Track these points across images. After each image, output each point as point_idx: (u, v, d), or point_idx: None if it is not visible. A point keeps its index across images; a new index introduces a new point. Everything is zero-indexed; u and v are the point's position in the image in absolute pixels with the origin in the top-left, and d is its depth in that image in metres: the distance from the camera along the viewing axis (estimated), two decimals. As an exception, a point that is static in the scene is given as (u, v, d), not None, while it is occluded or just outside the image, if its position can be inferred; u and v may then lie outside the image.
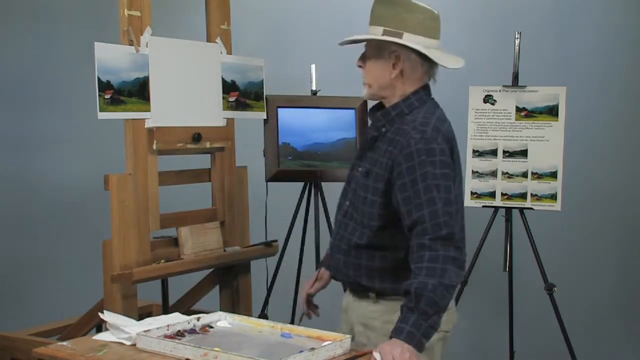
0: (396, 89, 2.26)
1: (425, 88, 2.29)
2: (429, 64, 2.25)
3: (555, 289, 3.47)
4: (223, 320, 2.31)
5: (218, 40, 3.05)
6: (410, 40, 2.19)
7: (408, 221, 2.11)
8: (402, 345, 1.99)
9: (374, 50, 2.25)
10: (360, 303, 2.32)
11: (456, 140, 2.26)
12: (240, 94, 3.13)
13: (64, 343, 2.16)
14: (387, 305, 2.25)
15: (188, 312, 2.67)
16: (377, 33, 2.22)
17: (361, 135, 2.36)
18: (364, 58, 2.29)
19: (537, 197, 3.53)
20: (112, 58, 2.63)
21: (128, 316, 2.42)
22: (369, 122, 2.41)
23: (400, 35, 2.20)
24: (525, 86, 3.53)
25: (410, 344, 1.99)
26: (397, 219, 2.17)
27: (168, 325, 2.18)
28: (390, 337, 2.03)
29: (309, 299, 2.57)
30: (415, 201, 2.09)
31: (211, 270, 3.16)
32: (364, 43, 2.29)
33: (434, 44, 2.24)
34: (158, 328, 2.15)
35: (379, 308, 2.27)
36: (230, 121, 3.09)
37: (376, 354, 1.99)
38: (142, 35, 2.73)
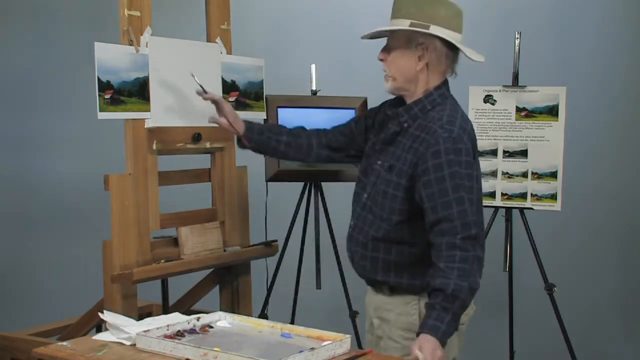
0: (419, 82, 2.28)
1: (446, 83, 2.33)
2: (453, 58, 2.30)
3: (555, 289, 3.47)
4: (223, 320, 2.31)
5: (218, 40, 3.05)
6: (437, 32, 2.23)
7: (432, 217, 2.13)
8: (437, 344, 2.04)
9: (400, 42, 2.27)
10: (376, 296, 2.36)
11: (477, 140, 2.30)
12: (240, 94, 3.13)
13: (64, 343, 2.16)
14: (401, 299, 2.28)
15: (188, 312, 2.67)
16: (403, 24, 2.24)
17: (380, 128, 2.38)
18: (387, 50, 2.30)
19: (537, 197, 3.53)
20: (112, 58, 2.63)
21: (128, 316, 2.42)
22: (380, 115, 2.43)
23: (427, 27, 2.23)
24: (525, 86, 3.53)
25: (442, 342, 2.05)
26: (417, 215, 2.19)
27: (168, 325, 2.18)
28: (419, 333, 2.06)
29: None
30: (441, 199, 2.11)
31: (211, 270, 3.16)
32: (386, 37, 2.31)
33: (458, 38, 2.30)
34: (158, 328, 2.15)
35: (392, 300, 2.30)
36: (230, 121, 3.08)
37: (418, 353, 2.01)
38: (142, 35, 2.73)
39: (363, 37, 2.34)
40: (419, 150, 2.18)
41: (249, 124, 2.63)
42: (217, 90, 3.00)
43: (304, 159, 2.66)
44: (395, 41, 2.28)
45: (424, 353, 2.00)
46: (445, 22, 2.25)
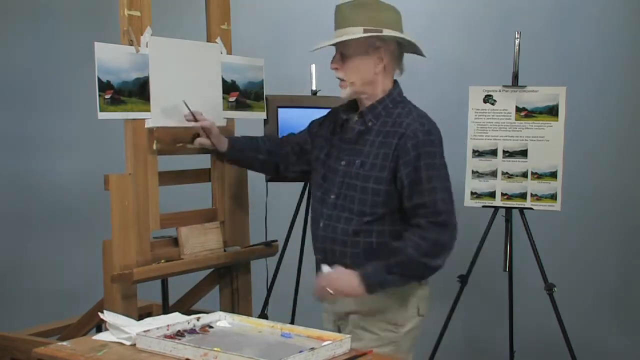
0: (377, 84, 2.43)
1: (397, 84, 2.49)
2: (400, 60, 2.46)
3: (555, 289, 3.48)
4: (223, 320, 2.31)
5: (218, 40, 3.05)
6: (392, 34, 2.37)
7: (408, 204, 2.33)
8: (353, 277, 2.27)
9: (356, 49, 2.40)
10: None
11: None
12: (240, 94, 3.13)
13: (64, 343, 2.16)
14: (382, 291, 2.36)
15: (188, 312, 2.67)
16: (357, 32, 2.36)
17: (340, 131, 2.54)
18: (341, 58, 2.43)
19: (537, 197, 3.53)
20: (112, 58, 2.63)
21: (128, 316, 2.42)
22: (327, 123, 2.61)
23: (380, 32, 2.36)
24: (525, 86, 3.53)
25: (362, 280, 2.26)
26: (400, 205, 2.35)
27: (168, 325, 2.18)
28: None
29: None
30: (417, 188, 2.30)
31: (211, 270, 3.16)
32: (335, 46, 2.43)
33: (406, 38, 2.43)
34: (158, 328, 2.15)
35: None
36: (230, 121, 3.08)
37: (326, 267, 2.33)
38: (142, 35, 2.73)
39: (316, 49, 2.48)
40: (399, 145, 2.33)
41: (232, 144, 2.82)
42: (217, 90, 3.00)
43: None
44: (349, 49, 2.40)
45: (333, 272, 2.31)
46: (394, 25, 2.39)
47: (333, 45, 2.43)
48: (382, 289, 2.31)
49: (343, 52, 2.41)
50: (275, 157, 2.78)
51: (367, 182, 2.35)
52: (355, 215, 2.36)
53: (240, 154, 2.83)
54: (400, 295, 2.39)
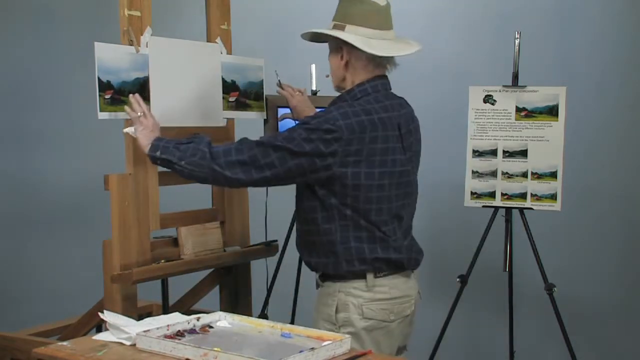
0: (347, 80, 2.41)
1: (376, 79, 2.39)
2: (372, 54, 2.34)
3: (555, 289, 3.47)
4: (223, 320, 2.31)
5: (218, 40, 3.05)
6: (352, 31, 2.32)
7: None
8: (154, 134, 2.47)
9: (330, 44, 2.43)
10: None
11: (377, 134, 2.31)
12: (240, 94, 3.13)
13: (64, 343, 2.16)
14: (325, 287, 2.42)
15: (188, 312, 2.67)
16: (329, 26, 2.38)
17: None
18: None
19: (537, 197, 3.53)
20: (112, 58, 2.63)
21: (128, 316, 2.42)
22: None
23: (343, 28, 2.34)
24: (525, 86, 3.53)
25: (155, 139, 2.44)
26: (308, 193, 2.36)
27: (168, 325, 2.18)
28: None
29: None
30: (270, 134, 2.37)
31: (211, 270, 3.16)
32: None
33: (378, 35, 2.34)
34: (158, 328, 2.15)
35: (321, 289, 2.45)
36: (230, 121, 3.09)
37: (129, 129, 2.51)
38: (142, 35, 2.73)
39: (302, 34, 2.51)
40: None
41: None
42: (217, 90, 3.00)
43: None
44: (329, 43, 2.45)
45: (151, 122, 2.51)
46: (361, 20, 2.33)
47: (307, 39, 2.52)
48: (159, 155, 2.39)
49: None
50: None
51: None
52: (302, 213, 2.43)
53: None
54: (339, 294, 2.36)
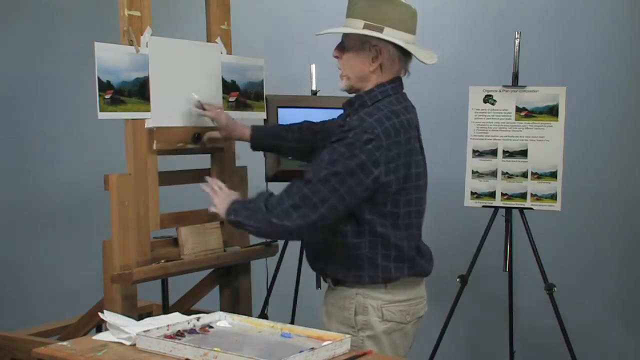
0: (371, 82, 2.32)
1: (395, 81, 2.34)
2: (406, 60, 2.31)
3: (555, 289, 3.48)
4: (223, 320, 2.31)
5: (218, 40, 3.05)
6: (391, 34, 2.25)
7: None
8: (230, 198, 2.38)
9: (354, 43, 2.31)
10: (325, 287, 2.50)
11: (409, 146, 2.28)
12: (240, 94, 3.13)
13: (64, 343, 2.16)
14: (340, 292, 2.36)
15: (188, 312, 2.67)
16: (357, 26, 2.27)
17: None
18: (342, 49, 2.34)
19: (537, 197, 3.53)
20: (112, 58, 2.63)
21: (128, 316, 2.42)
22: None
23: (381, 30, 2.25)
24: (525, 86, 3.53)
25: (230, 203, 2.35)
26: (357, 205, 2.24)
27: (168, 325, 2.18)
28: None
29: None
30: (314, 165, 2.22)
31: (211, 270, 3.16)
32: (341, 34, 2.34)
33: (412, 39, 2.30)
34: (158, 328, 2.15)
35: (334, 293, 2.40)
36: (230, 121, 3.08)
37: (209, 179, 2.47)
38: (142, 35, 2.73)
39: (319, 34, 2.37)
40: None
41: (255, 133, 2.80)
42: (217, 90, 3.00)
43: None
44: (349, 41, 2.32)
45: (224, 187, 2.45)
46: (399, 24, 2.26)
47: (331, 33, 2.35)
48: (233, 218, 2.32)
49: (344, 43, 2.33)
50: (306, 143, 2.75)
51: None
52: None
53: (265, 143, 2.83)
54: (357, 296, 2.32)
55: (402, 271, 2.32)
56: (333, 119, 2.70)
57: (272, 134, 2.84)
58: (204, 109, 2.84)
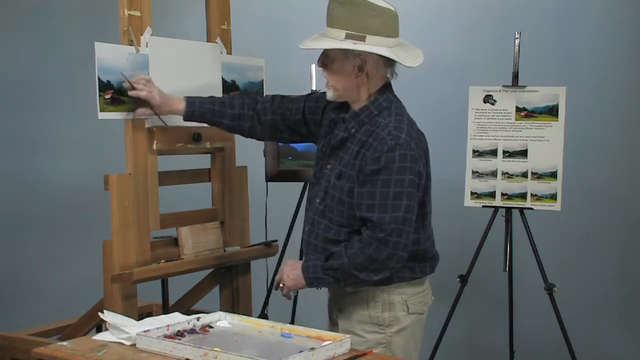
0: (361, 90, 2.32)
1: (388, 86, 2.36)
2: (391, 63, 2.30)
3: (555, 289, 3.47)
4: (223, 320, 2.31)
5: (218, 40, 3.05)
6: (373, 42, 2.24)
7: (358, 214, 2.26)
8: (298, 269, 2.35)
9: (338, 53, 2.28)
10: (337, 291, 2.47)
11: (427, 144, 2.37)
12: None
13: (64, 343, 2.16)
14: (363, 293, 2.36)
15: (188, 312, 2.67)
16: (339, 36, 2.24)
17: (328, 130, 2.45)
18: (326, 58, 2.32)
19: (537, 197, 3.53)
20: (112, 58, 2.63)
21: (128, 316, 2.42)
22: (328, 119, 2.46)
23: (363, 39, 2.23)
24: (525, 86, 3.53)
25: (303, 273, 2.33)
26: None
27: (168, 325, 2.18)
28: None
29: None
30: (369, 201, 2.23)
31: (211, 270, 3.16)
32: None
33: (395, 43, 2.29)
34: (158, 328, 2.15)
35: (353, 295, 2.39)
36: (230, 121, 3.08)
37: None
38: (142, 35, 2.73)
39: (303, 48, 2.31)
40: (365, 156, 2.25)
41: (189, 109, 2.65)
42: (217, 90, 3.00)
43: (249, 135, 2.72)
44: (333, 52, 2.30)
45: (285, 265, 2.40)
46: (381, 29, 2.25)
47: (314, 49, 2.30)
48: (319, 286, 2.35)
49: (327, 52, 2.30)
50: (245, 122, 2.64)
51: (343, 194, 2.29)
52: (335, 225, 2.34)
53: (199, 119, 2.68)
54: (382, 294, 2.34)
55: (425, 270, 2.40)
56: (288, 95, 2.63)
57: (207, 110, 2.65)
58: (133, 88, 2.61)
